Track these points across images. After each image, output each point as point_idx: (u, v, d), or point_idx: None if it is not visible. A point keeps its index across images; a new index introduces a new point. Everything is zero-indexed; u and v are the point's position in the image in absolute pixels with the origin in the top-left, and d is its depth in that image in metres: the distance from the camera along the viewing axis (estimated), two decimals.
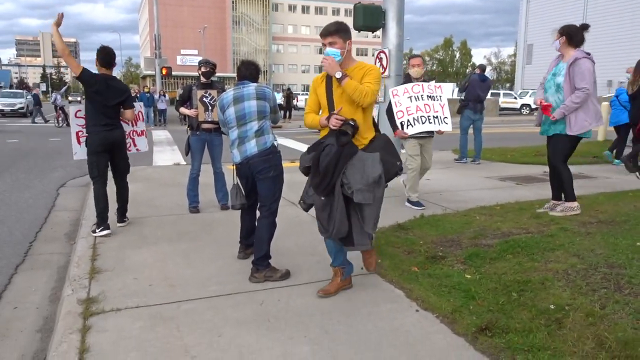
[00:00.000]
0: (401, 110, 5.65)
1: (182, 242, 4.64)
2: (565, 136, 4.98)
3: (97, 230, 4.87)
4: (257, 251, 3.74)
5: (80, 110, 5.19)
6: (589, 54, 4.92)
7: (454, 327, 2.88)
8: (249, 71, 4.06)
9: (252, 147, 3.77)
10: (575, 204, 5.12)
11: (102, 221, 4.88)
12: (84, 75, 4.77)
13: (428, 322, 2.97)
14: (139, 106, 5.57)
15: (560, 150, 5.07)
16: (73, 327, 2.94)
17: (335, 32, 3.20)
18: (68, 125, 21.28)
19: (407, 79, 6.09)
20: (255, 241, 3.82)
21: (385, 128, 5.71)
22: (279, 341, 2.78)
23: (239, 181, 3.99)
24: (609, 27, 32.56)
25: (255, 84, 3.96)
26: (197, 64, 5.98)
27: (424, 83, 5.81)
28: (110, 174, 5.11)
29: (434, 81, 6.00)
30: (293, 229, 5.00)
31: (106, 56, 4.93)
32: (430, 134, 5.96)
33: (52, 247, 4.96)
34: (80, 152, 5.20)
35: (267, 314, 3.12)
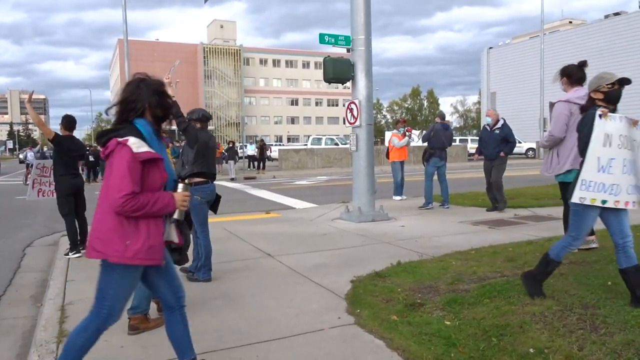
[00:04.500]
0: None
1: None
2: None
3: (69, 254, 6.14)
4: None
5: (41, 164, 6.88)
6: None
7: None
8: None
9: None
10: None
11: (74, 246, 6.19)
12: (57, 138, 6.21)
13: None
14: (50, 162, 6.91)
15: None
16: None
17: None
18: None
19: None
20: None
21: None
22: None
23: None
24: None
25: None
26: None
27: None
28: None
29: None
30: (269, 281, 4.91)
31: (69, 123, 6.44)
32: None
33: (17, 310, 4.73)
34: (32, 195, 6.76)
35: None
